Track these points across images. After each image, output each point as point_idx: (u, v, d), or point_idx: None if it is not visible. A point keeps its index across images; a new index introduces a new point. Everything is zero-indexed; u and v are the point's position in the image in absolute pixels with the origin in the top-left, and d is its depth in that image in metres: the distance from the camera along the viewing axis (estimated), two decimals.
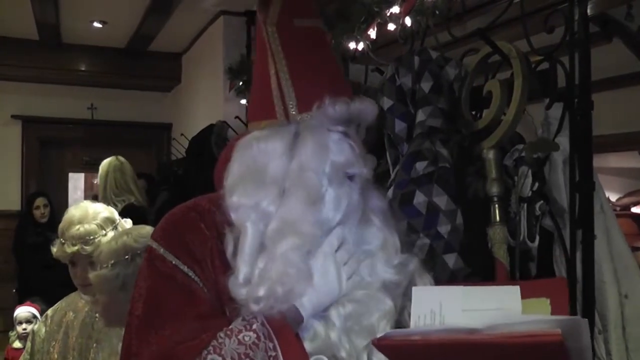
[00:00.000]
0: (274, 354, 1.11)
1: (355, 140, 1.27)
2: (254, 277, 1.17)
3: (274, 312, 1.13)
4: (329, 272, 1.20)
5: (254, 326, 1.13)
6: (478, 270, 1.66)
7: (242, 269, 1.18)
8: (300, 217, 1.18)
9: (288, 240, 1.17)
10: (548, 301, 1.04)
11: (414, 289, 1.11)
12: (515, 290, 1.06)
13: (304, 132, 1.25)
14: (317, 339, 1.18)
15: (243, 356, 1.10)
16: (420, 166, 1.67)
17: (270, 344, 1.11)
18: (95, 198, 4.66)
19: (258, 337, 1.11)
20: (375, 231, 1.28)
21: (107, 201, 4.57)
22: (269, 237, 1.20)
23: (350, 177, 1.25)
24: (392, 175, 1.76)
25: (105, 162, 4.62)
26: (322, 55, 1.33)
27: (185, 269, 1.20)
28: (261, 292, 1.14)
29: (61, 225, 2.19)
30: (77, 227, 2.12)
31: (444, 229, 1.62)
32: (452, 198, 1.66)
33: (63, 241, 2.15)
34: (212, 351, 1.11)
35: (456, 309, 1.04)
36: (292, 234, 1.18)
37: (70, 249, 2.11)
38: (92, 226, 2.14)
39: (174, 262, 1.21)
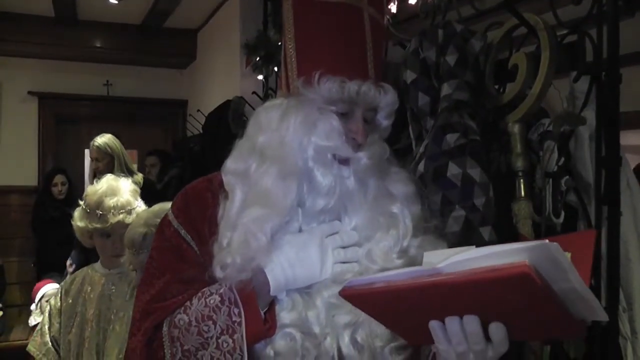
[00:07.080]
0: (238, 319, 1.13)
1: (357, 123, 1.22)
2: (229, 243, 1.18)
3: (238, 280, 1.14)
4: (310, 253, 1.18)
5: (221, 290, 1.16)
6: None
7: (224, 234, 1.19)
8: (270, 190, 1.18)
9: (252, 210, 1.17)
10: (569, 255, 0.97)
11: (425, 254, 1.05)
12: None
13: (293, 107, 1.23)
14: (294, 311, 1.17)
15: (206, 318, 1.14)
16: (452, 138, 1.64)
17: (235, 309, 1.13)
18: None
19: (222, 301, 1.14)
20: (383, 216, 1.24)
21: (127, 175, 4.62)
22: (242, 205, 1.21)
23: (344, 162, 1.22)
24: (422, 149, 1.73)
25: (112, 138, 4.63)
26: (343, 32, 1.24)
27: (183, 232, 1.25)
28: (228, 259, 1.15)
29: (94, 199, 2.29)
30: (116, 198, 2.27)
31: (479, 201, 1.59)
32: (484, 171, 1.63)
33: (101, 213, 2.25)
34: (182, 311, 1.17)
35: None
36: (258, 204, 1.17)
37: (114, 219, 2.25)
38: (128, 197, 2.31)
39: (176, 227, 1.27)
